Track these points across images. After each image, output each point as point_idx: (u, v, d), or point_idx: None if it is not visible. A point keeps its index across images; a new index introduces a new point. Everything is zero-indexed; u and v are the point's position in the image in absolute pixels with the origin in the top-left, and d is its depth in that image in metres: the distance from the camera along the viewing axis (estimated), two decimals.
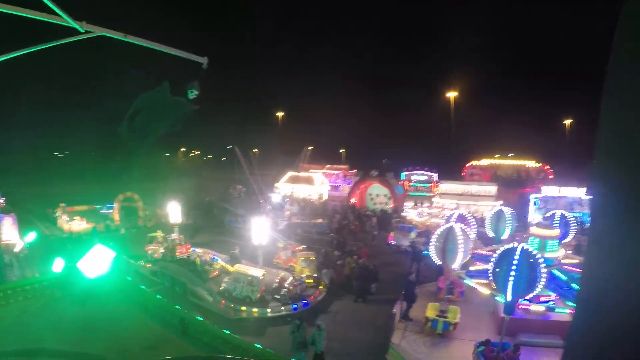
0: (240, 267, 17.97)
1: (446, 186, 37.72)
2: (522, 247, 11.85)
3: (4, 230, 20.31)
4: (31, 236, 21.03)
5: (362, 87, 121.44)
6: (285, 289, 16.96)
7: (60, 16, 5.92)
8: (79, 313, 7.90)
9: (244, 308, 16.12)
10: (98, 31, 6.47)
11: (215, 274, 18.88)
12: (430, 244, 16.70)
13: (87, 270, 8.43)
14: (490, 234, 20.86)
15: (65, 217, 32.01)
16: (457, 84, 54.26)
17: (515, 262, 11.41)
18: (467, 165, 46.23)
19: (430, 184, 41.45)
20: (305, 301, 16.96)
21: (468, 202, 34.64)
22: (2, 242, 19.13)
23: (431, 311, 14.64)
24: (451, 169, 45.21)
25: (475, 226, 20.41)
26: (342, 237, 26.75)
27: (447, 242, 15.68)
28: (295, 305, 16.50)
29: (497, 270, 11.90)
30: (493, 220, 20.66)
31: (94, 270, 8.42)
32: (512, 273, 11.27)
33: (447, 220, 20.17)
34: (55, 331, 7.05)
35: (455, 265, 15.79)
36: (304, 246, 22.82)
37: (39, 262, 19.30)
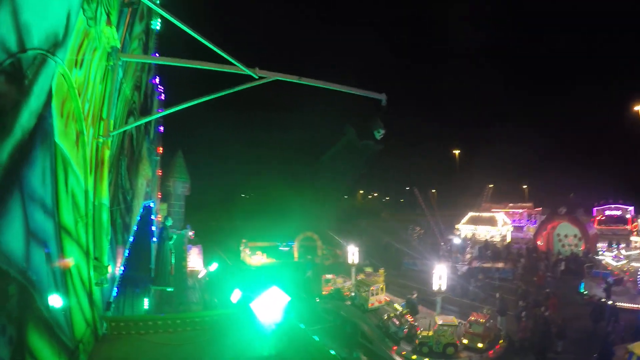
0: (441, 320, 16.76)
1: None
2: None
3: (191, 259, 23.05)
4: (214, 266, 23.22)
5: (541, 114, 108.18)
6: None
7: (236, 65, 6.47)
8: (242, 353, 7.26)
9: (414, 357, 15.38)
10: (271, 76, 6.78)
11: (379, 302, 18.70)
12: None
13: (260, 312, 7.79)
14: None
15: (247, 251, 35.13)
16: None
17: None
18: None
19: (626, 220, 35.82)
20: None
21: None
22: (188, 269, 21.93)
23: None
24: None
25: None
26: (526, 285, 23.93)
27: None
28: None
29: None
30: None
31: (266, 314, 7.72)
32: None
33: None
34: None
35: None
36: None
37: (218, 289, 20.93)
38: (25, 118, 3.78)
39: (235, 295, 15.84)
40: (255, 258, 33.74)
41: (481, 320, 15.96)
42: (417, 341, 15.96)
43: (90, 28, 5.45)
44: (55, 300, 4.50)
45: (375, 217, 66.61)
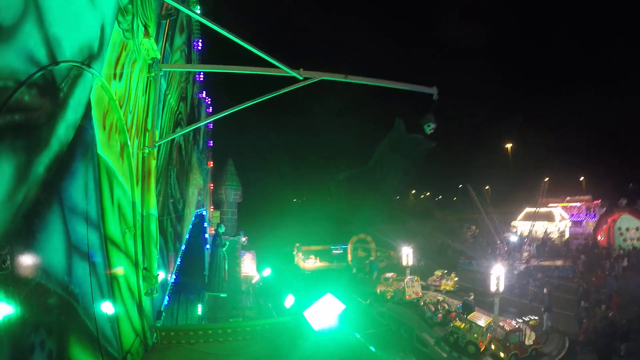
0: (473, 317, 16.17)
1: None
2: None
3: (245, 264, 23.45)
4: (267, 271, 23.38)
5: (597, 102, 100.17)
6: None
7: (280, 68, 6.37)
8: None
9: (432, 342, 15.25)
10: (317, 77, 6.61)
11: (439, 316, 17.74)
12: None
13: (314, 321, 7.52)
14: None
15: (300, 255, 35.29)
16: None
17: None
18: None
19: None
20: None
21: None
22: (242, 274, 22.29)
23: None
24: None
25: None
26: (587, 284, 21.69)
27: None
28: None
29: None
30: None
31: (320, 322, 7.45)
32: None
33: None
34: None
35: None
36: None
37: (272, 294, 21.08)
38: (63, 131, 3.78)
39: (289, 301, 15.81)
40: (308, 262, 33.89)
41: (506, 328, 14.68)
42: (449, 329, 15.88)
43: (127, 40, 5.50)
44: (101, 312, 4.51)
45: (428, 217, 64.86)
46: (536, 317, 16.77)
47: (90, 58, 4.25)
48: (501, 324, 14.92)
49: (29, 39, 3.08)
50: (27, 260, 3.09)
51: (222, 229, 18.13)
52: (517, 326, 14.51)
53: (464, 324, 15.50)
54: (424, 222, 53.15)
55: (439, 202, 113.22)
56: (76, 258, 4.02)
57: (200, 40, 14.23)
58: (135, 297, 6.14)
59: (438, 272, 25.16)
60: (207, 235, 21.23)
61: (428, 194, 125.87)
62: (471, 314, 16.36)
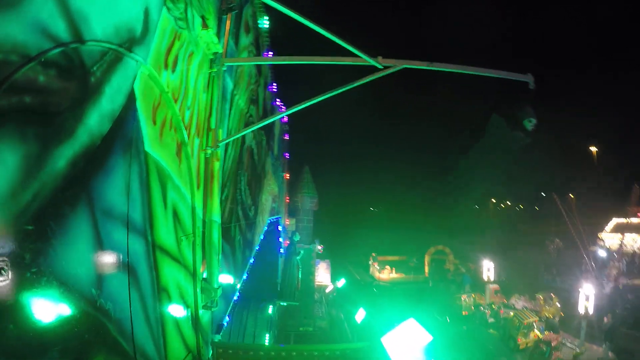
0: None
1: None
2: None
3: (319, 273, 23.03)
4: (342, 282, 22.77)
5: None
6: None
7: (358, 56, 5.74)
8: None
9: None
10: (398, 65, 5.92)
11: (528, 342, 15.82)
12: None
13: (394, 351, 6.36)
14: None
15: (376, 265, 34.50)
16: None
17: None
18: None
19: None
20: None
21: None
22: (316, 283, 21.89)
23: None
24: None
25: None
26: None
27: None
28: None
29: None
30: None
31: (402, 353, 6.28)
32: None
33: None
34: None
35: None
36: None
37: (345, 304, 20.39)
38: (95, 121, 3.30)
39: (360, 315, 14.87)
40: (384, 272, 32.96)
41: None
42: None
43: (181, 30, 5.06)
44: (142, 329, 3.99)
45: (510, 228, 59.31)
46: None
47: (130, 42, 3.78)
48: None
49: (40, 8, 2.59)
50: (36, 269, 2.58)
51: (297, 237, 17.76)
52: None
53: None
54: (506, 234, 48.61)
55: (520, 211, 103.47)
56: (110, 268, 3.52)
57: (270, 52, 14.02)
58: (190, 310, 5.65)
59: (540, 295, 21.88)
60: (281, 242, 21.07)
61: (509, 202, 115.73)
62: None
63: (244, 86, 10.01)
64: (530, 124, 6.91)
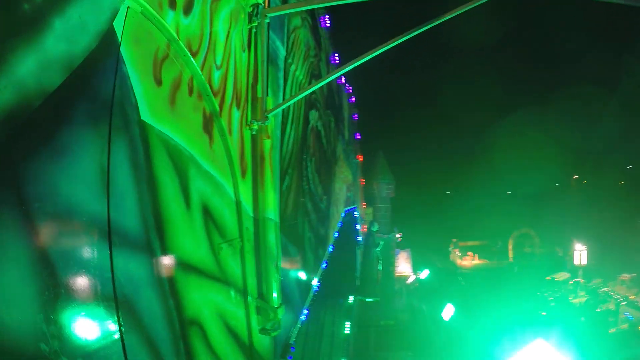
0: None
1: None
2: None
3: (399, 263, 21.64)
4: (425, 273, 21.05)
5: None
6: None
7: None
8: None
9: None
10: None
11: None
12: None
13: None
14: None
15: (457, 252, 32.82)
16: None
17: None
18: None
19: None
20: None
21: None
22: (396, 273, 20.48)
23: None
24: None
25: None
26: None
27: None
28: None
29: None
30: None
31: None
32: None
33: None
34: None
35: None
36: None
37: (428, 296, 18.80)
38: (30, 68, 1.88)
39: (447, 312, 13.09)
40: (466, 259, 31.01)
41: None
42: None
43: None
44: None
45: (606, 206, 51.22)
46: None
47: None
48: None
49: None
50: None
51: (375, 228, 16.19)
52: None
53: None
54: (602, 213, 42.05)
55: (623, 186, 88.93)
56: (77, 308, 2.10)
57: (327, 17, 12.33)
58: (242, 339, 4.20)
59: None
60: (357, 230, 19.56)
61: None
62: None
63: (300, 55, 8.42)
64: None
